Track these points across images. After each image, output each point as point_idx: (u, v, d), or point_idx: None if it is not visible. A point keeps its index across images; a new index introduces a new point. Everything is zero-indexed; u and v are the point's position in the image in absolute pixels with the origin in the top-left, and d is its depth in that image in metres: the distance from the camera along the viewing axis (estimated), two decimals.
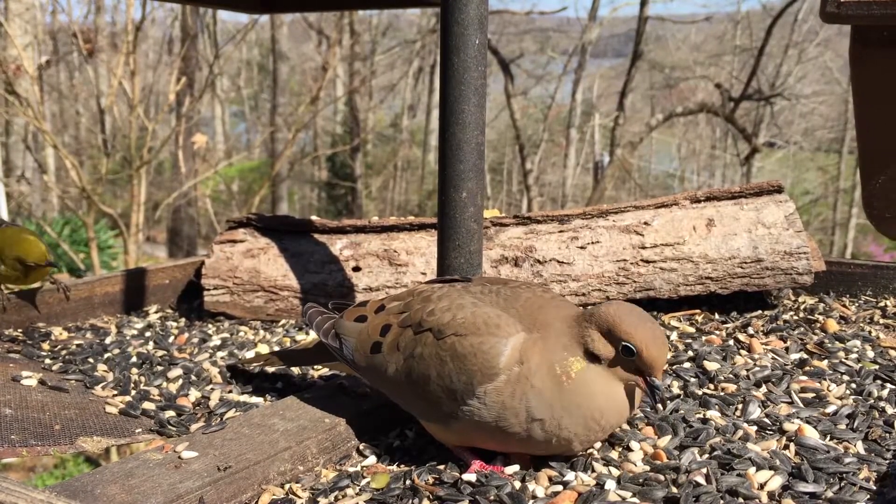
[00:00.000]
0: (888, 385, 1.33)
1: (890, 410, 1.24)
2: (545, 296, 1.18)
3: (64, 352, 1.69)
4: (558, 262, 1.79)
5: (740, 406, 1.27)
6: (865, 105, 1.30)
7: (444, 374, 1.11)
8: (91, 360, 1.63)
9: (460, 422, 1.11)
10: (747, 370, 1.40)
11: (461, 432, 1.13)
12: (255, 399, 1.43)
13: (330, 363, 1.41)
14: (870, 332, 1.58)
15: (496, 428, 1.08)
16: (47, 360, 1.63)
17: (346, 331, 1.29)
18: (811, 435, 1.15)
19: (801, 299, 1.86)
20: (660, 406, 1.17)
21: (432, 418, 1.17)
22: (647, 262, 1.77)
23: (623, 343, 1.05)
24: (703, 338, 1.60)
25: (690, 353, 1.49)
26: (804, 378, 1.37)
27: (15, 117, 6.82)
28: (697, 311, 1.78)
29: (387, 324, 1.22)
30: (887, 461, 1.08)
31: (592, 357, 1.07)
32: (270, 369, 1.57)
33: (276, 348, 1.69)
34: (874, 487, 1.02)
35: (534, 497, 1.02)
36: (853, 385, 1.34)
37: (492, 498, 1.01)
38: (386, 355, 1.20)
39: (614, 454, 1.14)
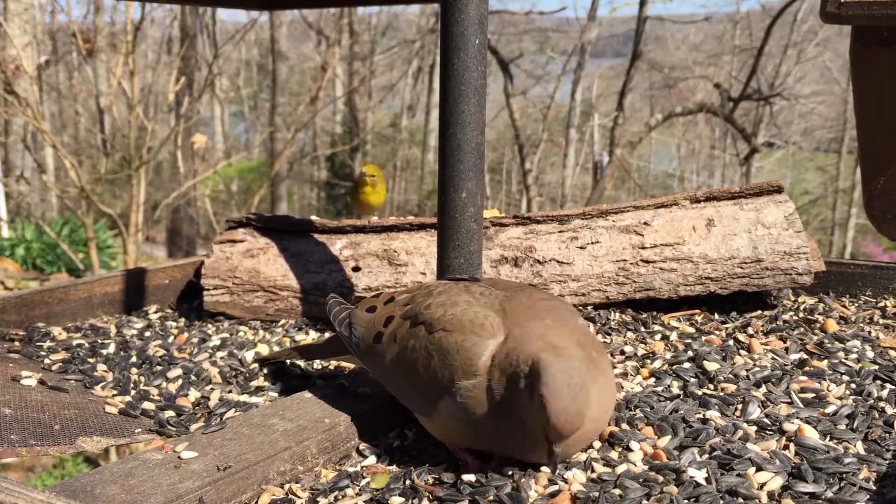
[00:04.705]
0: (888, 385, 1.33)
1: (890, 410, 1.24)
2: (536, 296, 1.18)
3: (64, 352, 1.68)
4: (558, 262, 1.79)
5: (740, 406, 1.27)
6: (866, 105, 1.30)
7: (430, 367, 1.13)
8: (91, 360, 1.63)
9: (441, 416, 1.12)
10: (747, 370, 1.40)
11: (443, 427, 1.14)
12: (254, 399, 1.43)
13: (345, 356, 1.42)
14: (869, 333, 1.58)
15: (472, 426, 1.09)
16: (47, 360, 1.63)
17: (357, 320, 1.32)
18: (811, 435, 1.15)
19: (800, 299, 1.86)
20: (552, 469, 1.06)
21: (421, 411, 1.18)
22: (647, 262, 1.77)
23: (539, 400, 0.99)
24: (703, 338, 1.60)
25: (690, 353, 1.49)
26: (804, 378, 1.37)
27: (14, 117, 6.81)
28: (697, 311, 1.78)
29: (391, 315, 1.24)
30: (887, 461, 1.08)
31: None
32: (272, 368, 1.57)
33: (276, 348, 1.70)
34: (874, 487, 1.02)
35: (533, 497, 1.02)
36: (853, 385, 1.34)
37: (491, 498, 1.01)
38: (385, 345, 1.22)
39: (614, 454, 1.14)
